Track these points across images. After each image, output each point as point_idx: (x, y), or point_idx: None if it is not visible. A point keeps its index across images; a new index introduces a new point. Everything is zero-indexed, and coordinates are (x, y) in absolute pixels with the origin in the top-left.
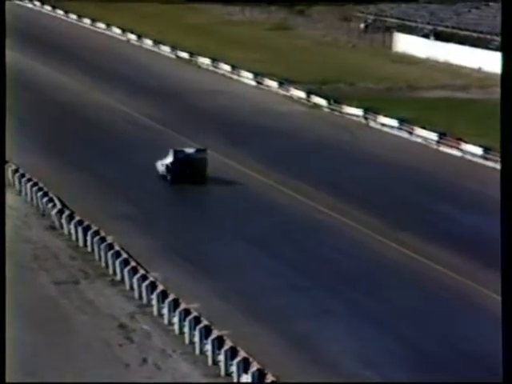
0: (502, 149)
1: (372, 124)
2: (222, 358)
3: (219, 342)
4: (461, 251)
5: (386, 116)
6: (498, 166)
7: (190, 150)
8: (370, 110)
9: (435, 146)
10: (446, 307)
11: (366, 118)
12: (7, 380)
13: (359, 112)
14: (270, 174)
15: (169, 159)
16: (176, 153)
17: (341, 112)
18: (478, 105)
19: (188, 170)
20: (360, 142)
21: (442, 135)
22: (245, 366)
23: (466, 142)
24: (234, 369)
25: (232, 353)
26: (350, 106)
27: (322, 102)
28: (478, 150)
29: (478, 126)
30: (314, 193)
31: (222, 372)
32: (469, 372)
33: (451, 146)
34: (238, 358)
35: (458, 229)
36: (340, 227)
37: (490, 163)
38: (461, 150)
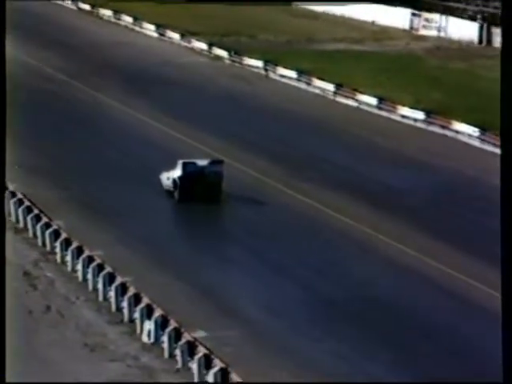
0: (502, 150)
1: (272, 75)
2: (125, 304)
3: (122, 289)
4: (361, 201)
5: (285, 67)
6: (391, 116)
7: (202, 162)
8: (270, 61)
9: (332, 97)
10: (347, 255)
11: (265, 70)
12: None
13: (259, 63)
14: (170, 123)
15: (176, 172)
16: (185, 165)
17: (241, 63)
18: (373, 57)
19: (199, 187)
20: (260, 93)
21: (338, 86)
22: (148, 312)
23: (362, 93)
24: (137, 315)
25: (135, 299)
26: (251, 57)
27: (224, 53)
28: (373, 101)
29: (373, 77)
30: (213, 142)
31: (126, 318)
32: (367, 314)
33: (347, 97)
34: (142, 305)
35: (357, 178)
36: (240, 176)
37: (384, 113)
38: (356, 101)
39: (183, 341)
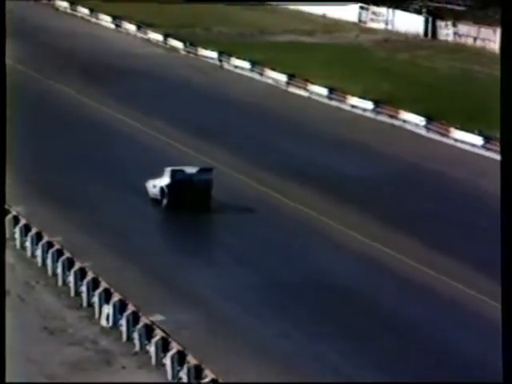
0: (502, 151)
1: (226, 66)
2: (84, 289)
3: (81, 274)
4: (314, 187)
5: (238, 58)
6: (341, 106)
7: (191, 170)
8: (224, 53)
9: (284, 87)
10: (301, 242)
11: (220, 61)
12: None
13: (214, 55)
14: (125, 111)
15: (164, 180)
16: (174, 173)
17: (196, 54)
18: (324, 49)
19: (188, 195)
20: (215, 83)
21: (290, 76)
22: (106, 296)
23: (313, 83)
24: (95, 300)
25: (94, 284)
26: (205, 48)
27: (179, 45)
28: (324, 91)
29: (324, 68)
30: (169, 130)
31: (85, 303)
32: (321, 300)
33: (299, 87)
34: (100, 289)
35: (309, 165)
36: (197, 164)
37: (334, 102)
38: (308, 91)
39: (141, 324)
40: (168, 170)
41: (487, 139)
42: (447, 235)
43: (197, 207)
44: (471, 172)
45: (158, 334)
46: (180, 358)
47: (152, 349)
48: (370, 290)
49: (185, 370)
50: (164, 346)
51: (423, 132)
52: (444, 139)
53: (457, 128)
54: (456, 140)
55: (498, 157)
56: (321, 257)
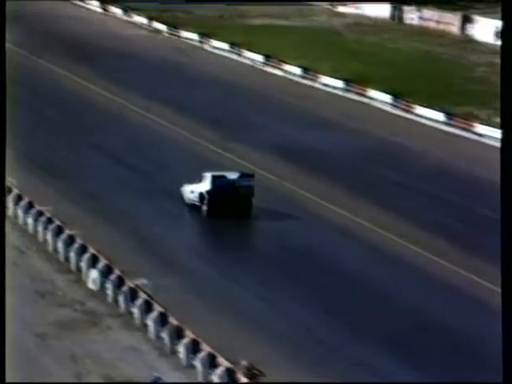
0: (502, 152)
1: (206, 47)
2: (72, 254)
3: (70, 240)
4: (287, 160)
5: (218, 40)
6: (314, 84)
7: (232, 176)
8: (205, 34)
9: (261, 67)
10: (270, 207)
11: (201, 42)
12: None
13: (195, 36)
14: (109, 88)
15: (204, 186)
16: (215, 179)
17: (179, 36)
18: (298, 31)
19: (231, 201)
20: (196, 63)
21: (267, 57)
22: (93, 261)
23: (287, 63)
24: (83, 264)
25: (82, 250)
26: (187, 31)
27: (162, 27)
28: (298, 70)
29: (298, 49)
30: (152, 106)
31: (73, 267)
32: (287, 262)
33: (275, 67)
34: (87, 255)
35: (284, 140)
36: (177, 138)
37: (307, 81)
38: (283, 70)
39: (126, 288)
40: (209, 176)
41: (449, 115)
42: (410, 203)
43: (238, 215)
44: (433, 145)
45: (142, 297)
46: (162, 319)
47: (136, 310)
48: (339, 255)
49: (166, 330)
50: (147, 308)
51: (389, 109)
52: (409, 115)
53: (420, 105)
54: (420, 116)
55: (458, 131)
56: (292, 224)
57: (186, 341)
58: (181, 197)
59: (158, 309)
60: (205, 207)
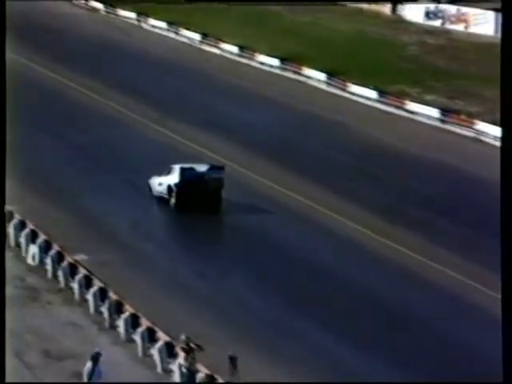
0: (502, 151)
1: (144, 26)
2: (11, 230)
3: (9, 216)
4: (222, 136)
5: (155, 19)
6: (251, 63)
7: (201, 168)
8: (142, 13)
9: (198, 45)
10: None
11: (138, 21)
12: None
13: (133, 15)
14: (46, 65)
15: (172, 178)
16: (183, 171)
17: (116, 15)
18: (235, 11)
19: (198, 194)
20: (134, 40)
21: (204, 36)
22: (32, 237)
23: (224, 42)
24: (22, 240)
25: (21, 225)
26: (124, 9)
27: (100, 5)
28: (235, 49)
29: (235, 29)
30: (88, 82)
31: (12, 243)
32: (222, 237)
33: (212, 45)
34: (26, 230)
35: (220, 116)
36: (114, 115)
37: (244, 60)
38: (220, 49)
39: (65, 263)
40: (177, 168)
41: (381, 93)
42: (343, 179)
43: (207, 208)
44: (366, 122)
45: (81, 272)
46: (101, 294)
47: (75, 285)
48: (274, 230)
49: (106, 305)
50: (87, 283)
51: (324, 87)
52: (343, 93)
53: (354, 83)
54: (353, 94)
55: (391, 109)
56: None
57: (125, 315)
58: (149, 189)
59: (97, 284)
60: (173, 200)
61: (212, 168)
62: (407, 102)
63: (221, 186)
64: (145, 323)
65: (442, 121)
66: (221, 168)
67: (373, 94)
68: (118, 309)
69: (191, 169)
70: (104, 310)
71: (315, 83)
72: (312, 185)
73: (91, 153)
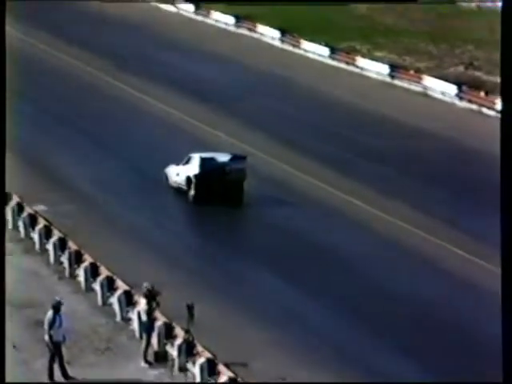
0: (502, 148)
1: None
2: None
3: None
4: (176, 90)
5: None
6: (206, 20)
7: (223, 158)
8: None
9: (155, 4)
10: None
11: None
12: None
13: None
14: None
15: (191, 168)
16: (204, 161)
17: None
18: None
19: (220, 186)
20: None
21: None
22: None
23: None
24: None
25: None
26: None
27: None
28: (190, 7)
29: None
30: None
31: None
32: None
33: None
34: None
35: (175, 72)
36: (76, 72)
37: (199, 17)
38: (176, 7)
39: (25, 213)
40: (197, 158)
41: (332, 50)
42: (295, 133)
43: (228, 201)
44: (317, 77)
45: (41, 223)
46: (61, 244)
47: (36, 236)
48: None
49: (66, 254)
50: (47, 233)
51: (278, 44)
52: (296, 50)
53: (306, 40)
54: (306, 51)
55: (342, 65)
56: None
57: (85, 265)
58: (165, 178)
59: (57, 234)
60: (192, 192)
61: (234, 158)
62: (358, 58)
63: (243, 177)
64: (104, 272)
65: (392, 76)
66: (243, 158)
67: (325, 50)
68: (77, 259)
69: (212, 159)
70: (64, 259)
71: (269, 40)
72: (263, 137)
73: (45, 105)
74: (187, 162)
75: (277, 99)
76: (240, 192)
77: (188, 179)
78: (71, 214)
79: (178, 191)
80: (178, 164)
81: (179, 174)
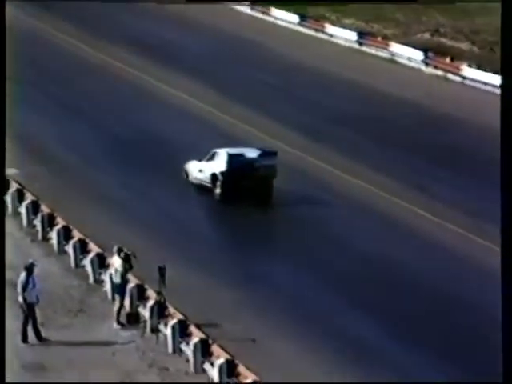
0: (502, 146)
1: None
2: None
3: None
4: (154, 58)
5: None
6: None
7: (252, 154)
8: None
9: None
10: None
11: None
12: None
13: None
14: None
15: (217, 165)
16: (231, 157)
17: None
18: None
19: (249, 183)
20: None
21: None
22: None
23: None
24: None
25: None
26: None
27: None
28: None
29: None
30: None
31: None
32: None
33: None
34: None
35: (152, 39)
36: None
37: None
38: None
39: None
40: (223, 153)
41: (302, 17)
42: (267, 99)
43: (257, 199)
44: (288, 44)
45: (14, 187)
46: (34, 207)
47: (8, 199)
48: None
49: (38, 218)
50: (19, 197)
51: (248, 11)
52: (266, 17)
53: (276, 7)
54: (276, 18)
55: (311, 32)
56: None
57: (57, 228)
58: (185, 174)
59: (30, 197)
60: (218, 190)
61: (263, 154)
62: (327, 25)
63: (273, 174)
64: (77, 235)
65: (360, 43)
66: (273, 153)
67: (294, 17)
68: (50, 221)
69: (240, 155)
70: (37, 222)
71: (239, 7)
72: (233, 103)
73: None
74: (211, 158)
75: (246, 65)
76: (269, 190)
77: (213, 176)
78: (42, 177)
79: (201, 189)
80: (200, 160)
81: (202, 170)
